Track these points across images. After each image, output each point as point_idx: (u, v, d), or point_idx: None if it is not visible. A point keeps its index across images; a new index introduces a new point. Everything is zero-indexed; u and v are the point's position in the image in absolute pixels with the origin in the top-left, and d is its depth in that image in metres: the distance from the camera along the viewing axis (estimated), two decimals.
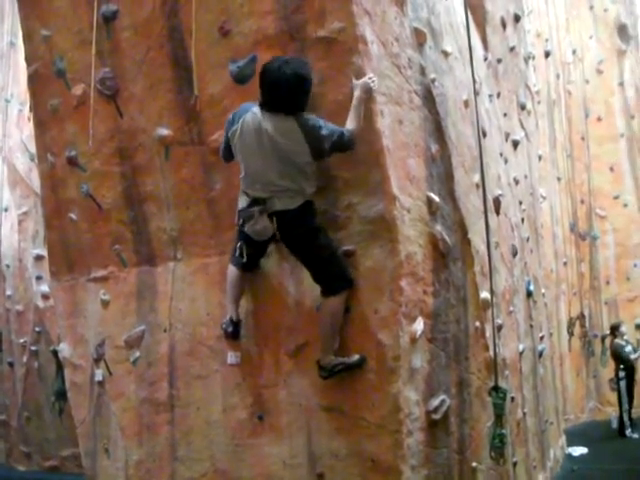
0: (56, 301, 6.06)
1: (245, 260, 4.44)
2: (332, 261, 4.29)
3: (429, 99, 4.93)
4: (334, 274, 4.27)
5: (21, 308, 11.81)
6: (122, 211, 5.35)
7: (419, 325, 4.43)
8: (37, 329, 11.63)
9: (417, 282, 4.49)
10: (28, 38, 5.53)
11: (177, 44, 4.77)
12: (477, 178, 5.72)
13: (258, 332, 4.71)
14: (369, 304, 4.29)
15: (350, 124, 4.09)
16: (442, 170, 5.06)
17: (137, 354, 5.27)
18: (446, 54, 5.45)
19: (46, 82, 5.45)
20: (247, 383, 4.72)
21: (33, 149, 7.46)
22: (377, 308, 4.28)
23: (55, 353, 8.63)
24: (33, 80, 5.58)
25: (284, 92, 4.00)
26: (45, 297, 11.26)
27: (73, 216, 5.59)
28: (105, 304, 5.50)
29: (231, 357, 4.79)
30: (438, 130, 5.04)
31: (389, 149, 4.28)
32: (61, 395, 9.39)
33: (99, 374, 5.47)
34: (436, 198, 4.79)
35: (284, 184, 4.14)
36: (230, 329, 4.63)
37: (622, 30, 16.03)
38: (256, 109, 4.15)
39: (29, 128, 9.56)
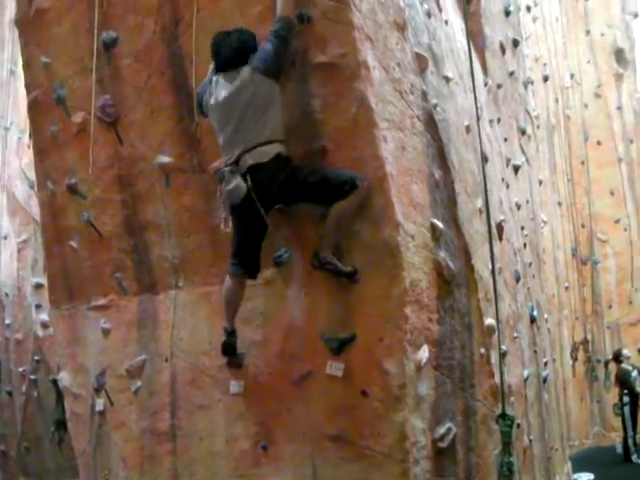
0: (56, 330, 5.99)
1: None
2: (324, 179, 4.19)
3: (431, 125, 4.91)
4: (333, 188, 4.14)
5: (20, 337, 11.73)
6: (123, 239, 5.31)
7: (424, 353, 4.37)
8: (36, 358, 11.55)
9: (422, 309, 4.43)
10: (28, 65, 5.53)
11: (178, 70, 4.77)
12: (480, 203, 5.69)
13: (262, 361, 4.63)
14: (374, 332, 4.23)
15: (280, 12, 4.13)
16: (445, 196, 5.02)
17: (138, 383, 5.20)
18: (447, 79, 5.44)
19: (46, 109, 5.43)
20: (250, 413, 4.65)
21: (32, 177, 7.45)
22: (382, 336, 4.22)
23: (55, 382, 8.55)
24: (33, 107, 5.56)
25: (231, 51, 4.21)
26: (44, 326, 11.20)
27: (73, 244, 5.54)
28: (106, 333, 5.44)
29: (234, 386, 4.71)
30: (440, 156, 5.01)
31: (392, 175, 4.25)
32: (60, 425, 9.31)
33: (100, 404, 5.39)
34: (440, 224, 4.75)
35: (253, 137, 4.12)
36: (223, 339, 4.52)
37: (619, 54, 16.14)
38: (214, 78, 4.29)
39: (28, 156, 9.57)
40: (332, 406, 4.30)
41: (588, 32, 16.26)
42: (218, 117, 4.28)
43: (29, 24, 5.46)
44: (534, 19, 14.79)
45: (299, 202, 4.37)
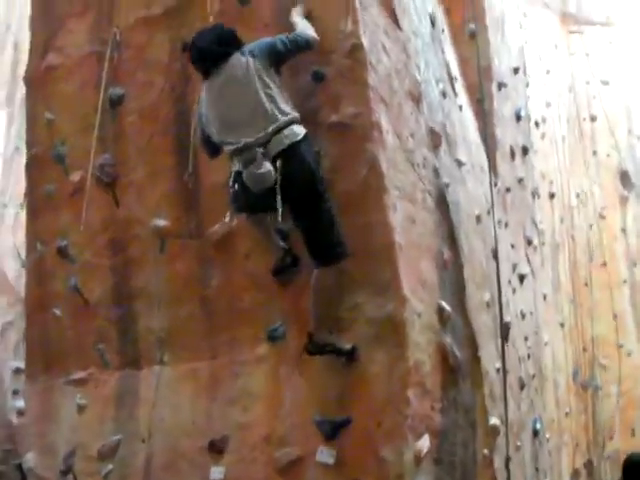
0: (28, 405, 5.70)
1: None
2: (334, 225, 3.84)
3: (442, 203, 4.75)
4: (336, 242, 3.84)
5: None
6: (109, 308, 5.07)
7: (425, 442, 4.04)
8: (6, 448, 10.95)
9: (425, 395, 4.13)
10: (32, 123, 5.49)
11: (182, 129, 4.68)
12: (487, 297, 5.45)
13: (246, 445, 4.30)
14: (372, 415, 3.93)
15: (304, 31, 3.96)
16: (454, 279, 4.78)
17: (110, 467, 4.82)
18: (460, 163, 5.31)
19: (44, 167, 5.34)
20: None
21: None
22: (380, 420, 3.92)
23: (19, 466, 8.03)
24: (31, 165, 5.50)
25: (212, 51, 3.93)
26: (20, 413, 10.66)
27: (57, 311, 5.28)
28: (81, 409, 5.11)
29: (214, 472, 4.38)
30: (450, 237, 4.83)
31: (401, 246, 4.04)
32: None
33: None
34: (447, 307, 4.50)
35: (278, 115, 3.77)
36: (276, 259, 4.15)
37: (624, 177, 16.22)
38: (205, 85, 4.01)
39: (23, 232, 9.36)
40: None
41: (595, 153, 16.38)
42: (220, 115, 3.94)
43: (38, 81, 5.43)
44: (542, 135, 14.95)
45: (297, 219, 3.94)
